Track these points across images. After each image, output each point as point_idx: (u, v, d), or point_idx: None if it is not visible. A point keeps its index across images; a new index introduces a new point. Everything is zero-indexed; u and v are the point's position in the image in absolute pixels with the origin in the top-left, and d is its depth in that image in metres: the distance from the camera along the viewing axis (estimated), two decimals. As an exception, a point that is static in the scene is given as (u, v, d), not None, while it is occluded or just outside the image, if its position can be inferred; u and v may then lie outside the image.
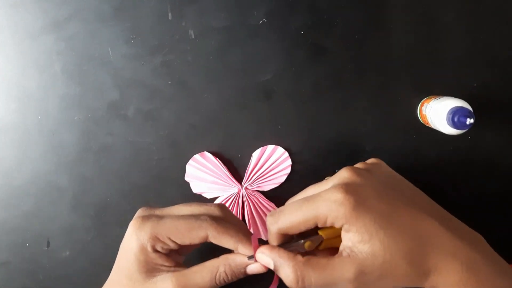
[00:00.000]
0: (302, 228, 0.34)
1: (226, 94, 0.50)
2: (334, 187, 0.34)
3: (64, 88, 0.51)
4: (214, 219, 0.36)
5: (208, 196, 0.50)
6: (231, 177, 0.49)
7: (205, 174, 0.50)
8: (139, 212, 0.39)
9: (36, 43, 0.51)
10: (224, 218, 0.38)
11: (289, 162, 0.50)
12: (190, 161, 0.50)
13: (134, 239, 0.36)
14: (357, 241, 0.33)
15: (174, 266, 0.37)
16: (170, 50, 0.50)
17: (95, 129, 0.51)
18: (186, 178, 0.50)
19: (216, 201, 0.50)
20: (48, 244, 0.52)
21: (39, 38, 0.51)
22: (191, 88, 0.50)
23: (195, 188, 0.50)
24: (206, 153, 0.50)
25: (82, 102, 0.51)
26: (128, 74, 0.50)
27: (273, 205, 0.50)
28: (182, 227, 0.35)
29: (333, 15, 0.50)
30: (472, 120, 0.40)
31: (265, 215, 0.50)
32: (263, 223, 0.50)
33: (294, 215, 0.34)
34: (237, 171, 0.50)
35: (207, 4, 0.50)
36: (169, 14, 0.50)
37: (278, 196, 0.50)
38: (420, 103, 0.49)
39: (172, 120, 0.51)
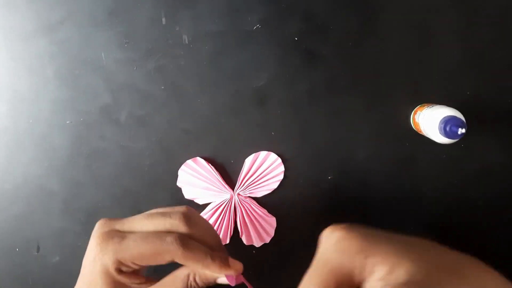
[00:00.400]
0: None
1: (220, 100, 0.50)
2: (326, 238, 0.28)
3: (56, 91, 0.51)
4: (181, 240, 0.34)
5: (200, 202, 0.50)
6: (223, 183, 0.49)
7: (197, 180, 0.49)
8: (99, 227, 0.36)
9: (28, 46, 0.50)
10: (191, 234, 0.36)
11: (282, 168, 0.50)
12: (183, 167, 0.50)
13: (98, 263, 0.35)
14: (386, 272, 0.25)
15: (144, 282, 0.36)
16: (163, 55, 0.50)
17: (87, 134, 0.51)
18: (178, 183, 0.50)
19: (208, 207, 0.50)
20: (38, 249, 0.51)
21: (31, 41, 0.50)
22: (184, 93, 0.50)
23: (187, 194, 0.50)
24: (198, 158, 0.50)
25: (74, 106, 0.51)
26: (121, 78, 0.50)
27: (265, 211, 0.49)
28: (147, 252, 0.34)
29: (328, 21, 0.50)
30: (463, 130, 0.40)
31: (258, 221, 0.49)
32: (255, 229, 0.50)
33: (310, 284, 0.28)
34: (229, 177, 0.50)
35: (201, 9, 0.50)
36: (163, 19, 0.50)
37: (271, 202, 0.50)
38: (413, 111, 0.49)
39: (165, 125, 0.50)
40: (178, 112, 0.50)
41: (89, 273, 0.35)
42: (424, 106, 0.47)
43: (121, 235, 0.35)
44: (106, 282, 0.35)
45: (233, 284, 0.36)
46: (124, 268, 0.35)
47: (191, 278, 0.36)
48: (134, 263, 0.34)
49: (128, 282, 0.35)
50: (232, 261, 0.36)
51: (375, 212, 0.50)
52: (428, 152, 0.50)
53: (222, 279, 0.36)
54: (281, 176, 0.50)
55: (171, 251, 0.34)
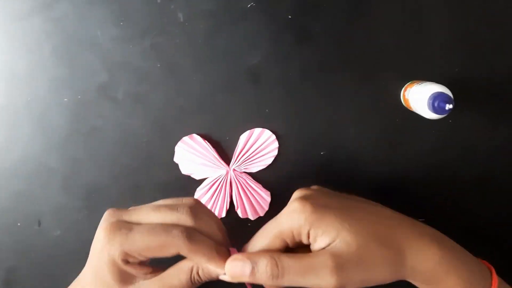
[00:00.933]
0: (274, 248, 0.36)
1: (215, 77, 0.51)
2: (290, 202, 0.37)
3: (53, 70, 0.51)
4: (186, 233, 0.35)
5: (197, 177, 0.51)
6: (219, 159, 0.51)
7: (194, 156, 0.51)
8: (107, 217, 0.38)
9: (24, 24, 0.51)
10: (198, 226, 0.36)
11: (276, 144, 0.51)
12: (179, 143, 0.51)
13: (105, 254, 0.35)
14: (328, 241, 0.35)
15: (150, 273, 0.37)
16: (159, 33, 0.51)
17: (84, 112, 0.52)
18: (175, 159, 0.51)
19: (204, 182, 0.51)
20: (39, 224, 0.53)
21: (27, 19, 0.51)
22: (180, 71, 0.51)
23: (184, 170, 0.51)
24: (194, 135, 0.51)
25: (71, 84, 0.51)
26: (117, 56, 0.51)
27: (260, 186, 0.51)
28: (153, 244, 0.35)
29: (321, 0, 0.50)
30: (451, 106, 0.41)
31: (253, 196, 0.51)
32: (250, 203, 0.51)
33: (263, 237, 0.37)
34: (225, 153, 0.52)
35: (196, -12, 0.50)
36: (158, -3, 0.50)
37: (266, 177, 0.52)
38: (403, 88, 0.51)
39: (161, 103, 0.51)
40: (174, 90, 0.51)
41: (97, 262, 0.36)
42: (413, 83, 0.49)
43: (128, 226, 0.36)
44: (113, 271, 0.36)
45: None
46: (130, 259, 0.36)
47: (194, 271, 0.36)
48: (140, 255, 0.35)
49: (134, 272, 0.36)
50: (238, 254, 0.37)
51: (365, 187, 0.52)
52: (417, 127, 0.52)
53: (225, 277, 0.36)
54: (275, 152, 0.51)
55: (176, 244, 0.34)
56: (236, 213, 0.52)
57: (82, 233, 0.52)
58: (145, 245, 0.35)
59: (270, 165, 0.51)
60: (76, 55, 0.51)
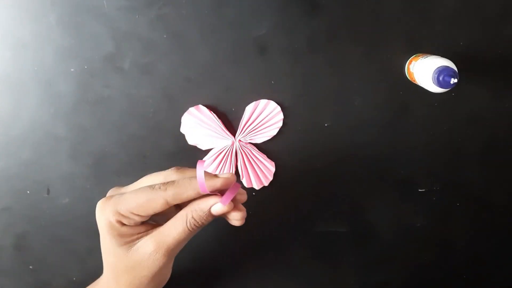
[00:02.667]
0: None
1: (221, 48, 0.51)
2: None
3: (60, 39, 0.51)
4: (168, 182, 0.37)
5: (203, 147, 0.52)
6: (225, 130, 0.51)
7: (200, 127, 0.52)
8: (108, 193, 0.41)
9: (29, -7, 0.50)
10: (181, 177, 0.39)
11: (281, 116, 0.52)
12: (186, 114, 0.52)
13: (102, 219, 0.38)
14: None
15: (150, 229, 0.39)
16: (165, 3, 0.50)
17: (91, 81, 0.52)
18: (182, 130, 0.52)
19: (210, 153, 0.52)
20: (48, 191, 0.54)
21: (32, -13, 0.50)
22: (186, 41, 0.51)
23: (190, 140, 0.52)
24: (201, 106, 0.52)
25: (78, 54, 0.51)
26: (124, 26, 0.51)
27: (265, 156, 0.52)
28: (140, 200, 0.36)
29: (328, -29, 0.50)
30: (456, 80, 0.42)
31: (258, 166, 0.52)
32: (255, 173, 0.52)
33: None
34: (231, 124, 0.52)
35: (203, -43, 0.50)
36: (165, -34, 0.50)
37: (270, 148, 0.53)
38: (408, 61, 0.51)
39: (168, 73, 0.52)
40: (181, 61, 0.52)
41: (100, 231, 0.39)
42: (418, 56, 0.49)
43: (121, 193, 0.39)
44: (112, 234, 0.38)
45: (227, 202, 0.37)
46: (125, 220, 0.37)
47: (189, 217, 0.37)
48: (133, 213, 0.37)
49: (132, 232, 0.38)
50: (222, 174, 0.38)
51: (368, 158, 0.53)
52: (421, 100, 0.52)
53: (216, 207, 0.37)
54: (280, 124, 0.52)
55: (161, 195, 0.36)
56: (241, 182, 0.53)
57: (90, 201, 0.54)
58: (135, 202, 0.36)
59: (275, 136, 0.52)
60: (82, 24, 0.51)
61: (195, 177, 0.37)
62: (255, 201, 0.54)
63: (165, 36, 0.51)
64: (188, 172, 0.39)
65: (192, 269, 0.54)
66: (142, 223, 0.39)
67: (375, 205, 0.55)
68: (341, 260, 0.56)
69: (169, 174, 0.39)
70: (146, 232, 0.39)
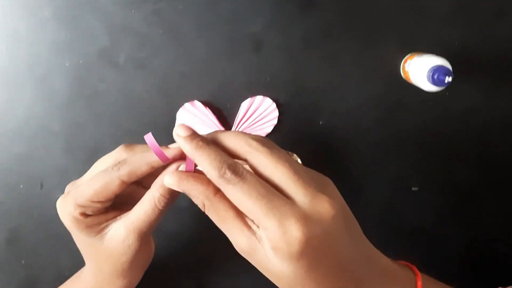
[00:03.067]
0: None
1: (217, 44, 0.51)
2: (297, 221, 0.30)
3: (55, 33, 0.51)
4: (119, 162, 0.36)
5: (198, 143, 0.52)
6: (220, 126, 0.51)
7: (195, 123, 0.52)
8: (65, 190, 0.40)
9: (24, -14, 0.50)
10: (133, 154, 0.37)
11: (276, 113, 0.52)
12: (181, 109, 0.52)
13: (65, 216, 0.37)
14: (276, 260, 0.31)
15: (118, 214, 0.38)
16: (161, -2, 0.50)
17: (86, 76, 0.52)
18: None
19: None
20: (42, 186, 0.54)
21: (27, -20, 0.50)
22: (182, 37, 0.51)
23: (185, 136, 0.52)
24: (196, 102, 0.52)
25: (73, 48, 0.51)
26: (119, 21, 0.51)
27: (259, 153, 0.52)
28: (96, 186, 0.36)
29: (324, -32, 0.50)
30: (450, 79, 0.42)
31: (252, 162, 0.52)
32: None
33: (248, 196, 0.31)
34: (226, 120, 0.52)
35: (199, -48, 0.50)
36: (161, -39, 0.50)
37: (265, 145, 0.53)
38: (403, 60, 0.51)
39: (163, 69, 0.52)
40: (176, 56, 0.51)
41: (69, 229, 0.39)
42: (414, 55, 0.49)
43: (75, 186, 0.38)
44: (80, 228, 0.37)
45: (192, 166, 0.34)
46: (88, 211, 0.37)
47: (156, 195, 0.36)
48: (92, 201, 0.36)
49: (100, 221, 0.38)
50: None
51: (362, 155, 0.54)
52: (415, 99, 0.53)
53: (167, 178, 0.33)
54: (275, 121, 0.52)
55: (114, 176, 0.35)
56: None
57: (84, 196, 0.53)
58: (90, 190, 0.36)
59: (270, 133, 0.52)
60: (78, 18, 0.51)
61: (146, 151, 0.36)
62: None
63: (161, 31, 0.51)
64: (138, 148, 0.38)
65: (181, 264, 0.54)
66: (109, 209, 0.38)
67: (368, 202, 0.55)
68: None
69: (119, 153, 0.38)
70: (114, 219, 0.38)
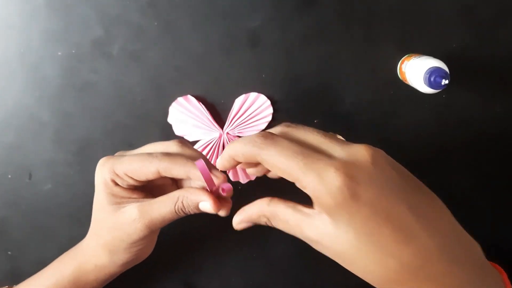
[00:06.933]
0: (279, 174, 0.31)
1: (212, 39, 0.51)
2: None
3: (47, 21, 0.50)
4: (165, 154, 0.38)
5: (190, 138, 0.52)
6: (213, 122, 0.51)
7: (188, 117, 0.51)
8: (116, 154, 0.42)
9: (18, -28, 0.49)
10: (181, 152, 0.39)
11: (270, 110, 0.51)
12: (174, 104, 0.51)
13: (99, 175, 0.40)
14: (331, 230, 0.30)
15: (142, 198, 0.40)
16: (157, -10, 0.49)
17: (78, 66, 0.51)
18: (169, 120, 0.51)
19: (197, 144, 0.51)
20: (30, 177, 0.53)
21: (21, -34, 0.49)
22: (178, 30, 0.50)
23: (178, 130, 0.51)
24: (189, 96, 0.51)
25: (66, 37, 0.50)
26: (114, 11, 0.50)
27: (252, 150, 0.52)
28: (135, 164, 0.38)
29: (324, -35, 0.50)
30: (447, 81, 0.42)
31: (244, 159, 0.52)
32: (243, 168, 0.52)
33: (283, 156, 0.30)
34: (219, 116, 0.52)
35: None
36: (158, -48, 0.49)
37: (258, 142, 0.52)
38: (400, 61, 0.51)
39: (157, 62, 0.51)
40: (171, 49, 0.51)
41: (95, 187, 0.40)
42: (411, 56, 0.49)
43: (120, 155, 0.40)
44: (106, 191, 0.39)
45: (224, 194, 0.37)
46: (119, 181, 0.39)
47: (179, 200, 0.37)
48: (127, 175, 0.38)
49: (126, 195, 0.39)
50: (217, 171, 0.37)
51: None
52: (411, 101, 0.52)
53: (204, 206, 0.37)
54: (269, 118, 0.51)
55: (154, 162, 0.37)
56: (227, 175, 0.52)
57: (73, 188, 0.53)
58: (130, 165, 0.38)
59: (263, 130, 0.52)
60: (71, 7, 0.50)
61: (193, 157, 0.38)
62: (241, 194, 0.53)
63: (156, 23, 0.50)
64: (188, 150, 0.40)
65: (173, 261, 0.54)
66: (137, 189, 0.40)
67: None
68: (324, 257, 0.55)
69: (171, 145, 0.40)
70: (137, 199, 0.40)
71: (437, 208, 0.31)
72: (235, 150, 0.32)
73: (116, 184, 0.39)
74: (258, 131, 0.51)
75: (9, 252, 0.54)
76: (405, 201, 0.29)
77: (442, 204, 0.32)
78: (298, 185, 0.30)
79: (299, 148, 0.30)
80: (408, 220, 0.29)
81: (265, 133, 0.32)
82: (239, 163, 0.34)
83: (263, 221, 0.33)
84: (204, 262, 0.54)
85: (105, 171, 0.39)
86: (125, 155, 0.40)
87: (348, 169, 0.28)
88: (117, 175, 0.39)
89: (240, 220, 0.34)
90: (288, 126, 0.34)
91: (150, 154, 0.38)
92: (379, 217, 0.28)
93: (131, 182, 0.39)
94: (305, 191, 0.30)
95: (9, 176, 0.53)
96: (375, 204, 0.28)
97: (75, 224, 0.53)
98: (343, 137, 0.52)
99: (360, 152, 0.30)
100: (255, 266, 0.54)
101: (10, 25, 0.50)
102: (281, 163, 0.30)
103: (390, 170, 0.31)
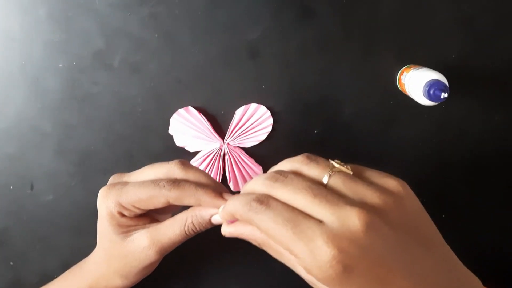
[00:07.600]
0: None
1: (213, 51, 0.51)
2: (334, 241, 0.27)
3: (49, 34, 0.50)
4: (173, 183, 0.37)
5: (191, 149, 0.52)
6: (214, 133, 0.51)
7: (188, 129, 0.51)
8: (110, 180, 0.41)
9: (19, -15, 0.49)
10: (186, 177, 0.38)
11: (270, 121, 0.52)
12: (175, 115, 0.51)
13: (103, 207, 0.39)
14: None
15: (149, 223, 0.40)
16: (158, 2, 0.50)
17: (80, 78, 0.51)
18: (170, 131, 0.52)
19: (198, 155, 0.52)
20: (32, 187, 0.53)
21: (22, -21, 0.49)
22: (178, 42, 0.51)
23: (179, 141, 0.52)
24: (190, 108, 0.51)
25: (67, 49, 0.51)
26: (115, 23, 0.50)
27: (253, 161, 0.52)
28: (143, 195, 0.37)
29: (323, -23, 0.50)
30: (446, 94, 0.42)
31: (245, 170, 0.52)
32: (243, 177, 0.52)
33: (274, 223, 0.29)
34: (220, 127, 0.52)
35: (198, -43, 0.49)
36: (159, -35, 0.49)
37: (258, 152, 0.52)
38: (399, 72, 0.51)
39: (158, 73, 0.51)
40: (171, 61, 0.51)
41: (99, 217, 0.40)
42: (410, 67, 0.49)
43: (124, 183, 0.39)
44: (112, 224, 0.39)
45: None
46: (126, 212, 0.38)
47: (188, 221, 0.38)
48: (134, 206, 0.38)
49: (132, 223, 0.39)
50: (226, 194, 0.37)
51: (356, 166, 0.53)
52: (411, 111, 0.52)
53: (217, 217, 0.37)
54: (270, 129, 0.52)
55: (164, 194, 0.37)
56: (228, 186, 0.52)
57: (74, 199, 0.53)
58: (136, 196, 0.37)
59: (263, 141, 0.52)
60: (72, 19, 0.50)
61: (199, 183, 0.37)
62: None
63: (156, 35, 0.50)
64: (191, 172, 0.39)
65: (174, 269, 0.54)
66: (142, 215, 0.40)
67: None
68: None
69: (173, 169, 0.39)
70: (143, 225, 0.40)
71: (436, 256, 0.32)
72: (235, 210, 0.31)
73: (123, 215, 0.39)
74: (258, 142, 0.52)
75: (11, 263, 0.54)
76: (400, 263, 0.29)
77: (443, 250, 0.33)
78: (290, 253, 0.29)
79: (290, 214, 0.29)
80: (404, 285, 0.29)
81: (261, 197, 0.30)
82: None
83: (254, 243, 0.34)
84: (204, 270, 0.54)
85: (110, 204, 0.38)
86: (126, 182, 0.39)
87: (337, 241, 0.27)
88: (124, 207, 0.38)
89: (230, 233, 0.34)
90: (308, 157, 0.33)
91: (155, 183, 0.37)
92: (373, 286, 0.28)
93: (138, 211, 0.39)
94: (296, 261, 0.29)
95: (11, 187, 0.53)
96: (368, 274, 0.28)
97: (76, 235, 0.53)
98: (341, 145, 0.53)
99: (351, 219, 0.28)
100: (255, 275, 0.55)
101: (12, 37, 0.50)
102: (272, 229, 0.29)
103: (386, 231, 0.29)
